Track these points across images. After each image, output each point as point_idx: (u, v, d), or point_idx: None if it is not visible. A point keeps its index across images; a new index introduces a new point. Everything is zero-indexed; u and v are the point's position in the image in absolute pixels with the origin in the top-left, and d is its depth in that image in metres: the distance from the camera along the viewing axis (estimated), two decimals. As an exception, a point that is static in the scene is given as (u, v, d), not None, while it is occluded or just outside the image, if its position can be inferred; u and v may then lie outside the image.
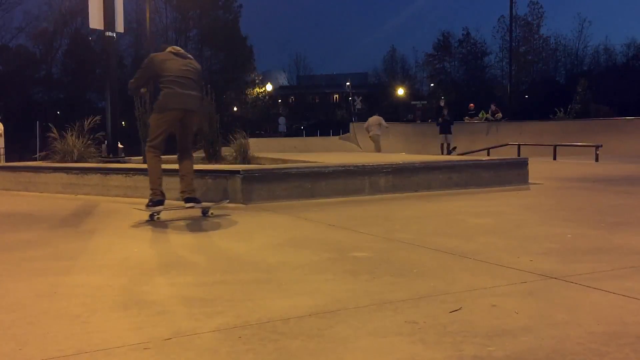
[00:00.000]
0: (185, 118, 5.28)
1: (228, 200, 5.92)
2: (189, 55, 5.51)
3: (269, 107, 61.53)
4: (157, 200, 5.19)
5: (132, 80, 5.51)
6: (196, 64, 5.54)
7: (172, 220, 5.24)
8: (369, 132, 19.78)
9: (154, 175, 5.29)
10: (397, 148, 23.85)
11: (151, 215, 5.15)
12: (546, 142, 16.49)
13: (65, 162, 8.31)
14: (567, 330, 2.13)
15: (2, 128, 16.73)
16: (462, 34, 60.55)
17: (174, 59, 5.32)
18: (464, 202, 6.17)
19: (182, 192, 5.40)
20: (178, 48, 5.54)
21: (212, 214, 5.35)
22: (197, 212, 5.39)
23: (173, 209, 5.42)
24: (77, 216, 5.73)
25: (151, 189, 5.25)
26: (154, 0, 45.61)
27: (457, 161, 7.82)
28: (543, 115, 27.84)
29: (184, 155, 5.49)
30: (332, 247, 3.77)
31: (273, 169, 6.50)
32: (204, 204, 5.43)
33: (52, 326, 2.30)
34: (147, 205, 5.16)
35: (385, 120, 20.49)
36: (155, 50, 5.68)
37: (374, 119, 19.78)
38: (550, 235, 4.11)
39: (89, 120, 8.85)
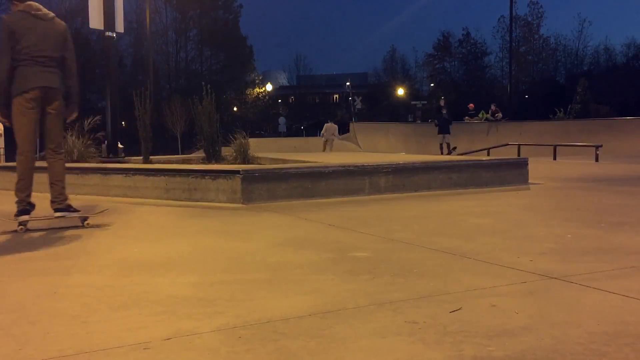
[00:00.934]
0: (46, 101, 4.69)
1: (106, 210, 5.51)
2: (50, 15, 4.77)
3: (269, 107, 61.56)
4: (22, 209, 4.71)
5: None
6: (59, 25, 4.83)
7: (171, 220, 5.24)
8: (325, 137, 23.51)
9: (20, 183, 4.75)
10: (397, 148, 23.90)
11: (19, 225, 4.66)
12: (546, 142, 16.51)
13: (65, 162, 8.30)
14: (567, 330, 2.13)
15: (2, 128, 16.74)
16: (462, 34, 60.68)
17: (34, 23, 4.61)
18: (464, 202, 6.17)
19: (51, 201, 4.87)
20: (38, 5, 4.73)
21: (88, 224, 4.87)
22: (202, 212, 5.38)
23: (41, 218, 4.94)
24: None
25: (16, 197, 4.74)
26: (154, 0, 45.65)
27: (457, 161, 7.81)
28: (543, 115, 27.89)
29: (53, 155, 4.89)
30: (332, 247, 3.77)
31: (273, 169, 6.50)
32: (80, 213, 4.93)
33: (52, 326, 2.30)
34: (15, 215, 4.71)
35: (384, 121, 21.35)
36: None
37: (332, 126, 23.72)
38: (550, 235, 4.11)
39: (89, 120, 8.87)
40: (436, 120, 21.03)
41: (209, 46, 56.91)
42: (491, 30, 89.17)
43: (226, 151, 8.41)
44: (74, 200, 7.00)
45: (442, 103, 22.08)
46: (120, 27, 8.66)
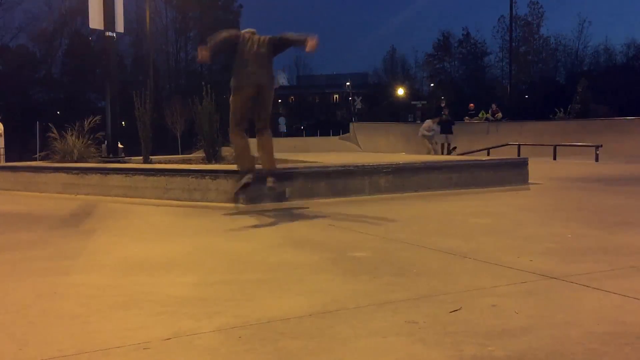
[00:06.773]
0: None
1: None
2: None
3: (269, 107, 61.49)
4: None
5: None
6: None
7: (171, 220, 5.23)
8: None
9: None
10: (397, 148, 23.88)
11: None
12: (546, 142, 16.51)
13: (65, 162, 8.31)
14: (567, 330, 2.13)
15: (2, 128, 16.75)
16: (462, 34, 60.77)
17: None
18: (464, 202, 6.17)
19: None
20: None
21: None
22: (202, 212, 5.36)
23: None
24: (77, 216, 5.72)
25: None
26: (154, 0, 45.65)
27: (457, 161, 7.81)
28: (543, 115, 27.89)
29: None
30: (332, 247, 3.77)
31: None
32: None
33: (52, 326, 2.30)
34: None
35: (384, 121, 21.22)
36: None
37: None
38: (550, 235, 4.11)
39: (89, 120, 8.87)
40: (438, 119, 20.88)
41: (209, 46, 56.88)
42: (491, 30, 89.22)
43: (226, 151, 8.40)
44: (75, 199, 7.02)
45: (442, 104, 22.04)
46: (120, 27, 8.65)
